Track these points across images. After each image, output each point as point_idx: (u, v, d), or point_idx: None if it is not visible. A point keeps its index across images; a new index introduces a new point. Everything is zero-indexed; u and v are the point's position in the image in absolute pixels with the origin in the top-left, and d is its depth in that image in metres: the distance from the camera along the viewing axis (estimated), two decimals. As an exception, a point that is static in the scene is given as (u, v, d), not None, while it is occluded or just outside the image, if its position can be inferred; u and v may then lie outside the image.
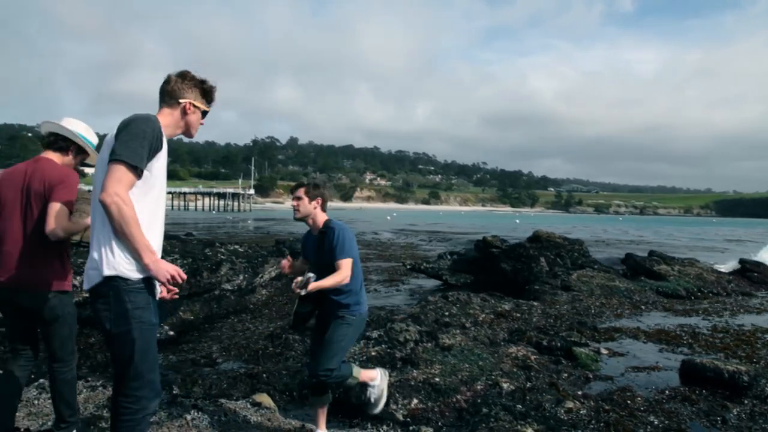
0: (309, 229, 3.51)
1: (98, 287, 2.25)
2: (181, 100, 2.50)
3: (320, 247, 3.36)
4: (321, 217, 3.43)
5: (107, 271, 2.21)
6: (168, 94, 2.50)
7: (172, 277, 2.22)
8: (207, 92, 2.60)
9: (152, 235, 2.29)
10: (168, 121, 2.48)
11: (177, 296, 2.63)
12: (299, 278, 3.19)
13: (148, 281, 2.28)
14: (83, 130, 3.16)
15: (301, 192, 3.37)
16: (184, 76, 2.53)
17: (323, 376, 3.32)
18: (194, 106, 2.53)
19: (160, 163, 2.35)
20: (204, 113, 2.61)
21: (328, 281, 3.21)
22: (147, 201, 2.29)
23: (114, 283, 2.21)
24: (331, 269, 3.27)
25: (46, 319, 2.99)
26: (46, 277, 2.94)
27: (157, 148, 2.30)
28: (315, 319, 3.53)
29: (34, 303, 2.94)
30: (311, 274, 3.15)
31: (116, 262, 2.21)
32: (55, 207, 2.90)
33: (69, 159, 3.16)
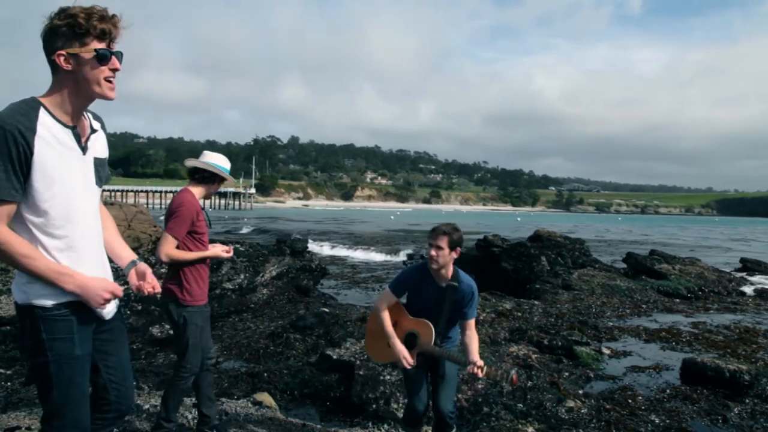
0: (420, 269, 3.12)
1: (17, 313, 1.90)
2: (53, 57, 1.77)
3: (445, 299, 3.04)
4: (451, 267, 3.08)
5: (19, 298, 1.86)
6: (46, 58, 1.80)
7: (106, 300, 1.86)
8: (81, 24, 1.75)
9: (73, 253, 1.87)
10: (57, 94, 1.82)
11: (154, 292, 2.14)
12: (483, 368, 2.82)
13: (76, 306, 1.87)
14: (220, 160, 3.45)
15: (443, 242, 2.96)
16: (49, 19, 1.77)
17: (452, 418, 3.12)
18: (71, 55, 1.76)
19: (48, 165, 1.76)
20: (101, 56, 1.79)
21: (475, 347, 3.02)
22: (49, 218, 1.81)
23: (27, 310, 1.84)
24: (447, 319, 3.05)
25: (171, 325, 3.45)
26: (167, 287, 3.31)
27: (25, 155, 1.71)
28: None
29: (164, 311, 3.45)
30: (514, 370, 2.83)
31: (29, 287, 1.83)
32: (164, 234, 3.25)
33: (207, 185, 3.45)
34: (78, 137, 1.87)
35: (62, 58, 1.77)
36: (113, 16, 1.83)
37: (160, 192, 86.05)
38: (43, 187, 1.77)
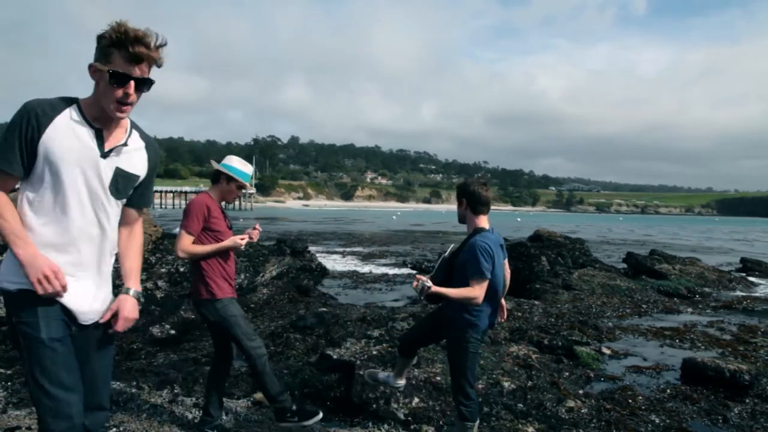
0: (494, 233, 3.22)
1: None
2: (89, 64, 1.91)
3: (458, 255, 3.18)
4: (473, 225, 3.23)
5: None
6: None
7: (45, 277, 1.82)
8: (111, 42, 1.82)
9: (63, 248, 1.92)
10: (91, 97, 1.96)
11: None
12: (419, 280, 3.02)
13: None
14: (235, 163, 3.57)
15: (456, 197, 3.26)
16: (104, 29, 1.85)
17: (463, 404, 3.18)
18: (95, 68, 1.88)
19: (53, 150, 1.85)
20: (113, 77, 1.84)
21: (453, 292, 3.05)
22: (44, 201, 1.89)
23: (2, 293, 1.92)
24: (459, 281, 3.11)
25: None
26: (194, 288, 3.47)
27: (32, 136, 1.83)
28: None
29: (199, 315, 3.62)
30: (429, 284, 2.96)
31: (1, 270, 1.92)
32: (179, 232, 3.42)
33: (222, 187, 3.55)
34: (100, 140, 1.95)
35: (91, 69, 1.89)
36: (149, 40, 1.85)
37: (160, 192, 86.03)
38: (42, 169, 1.87)
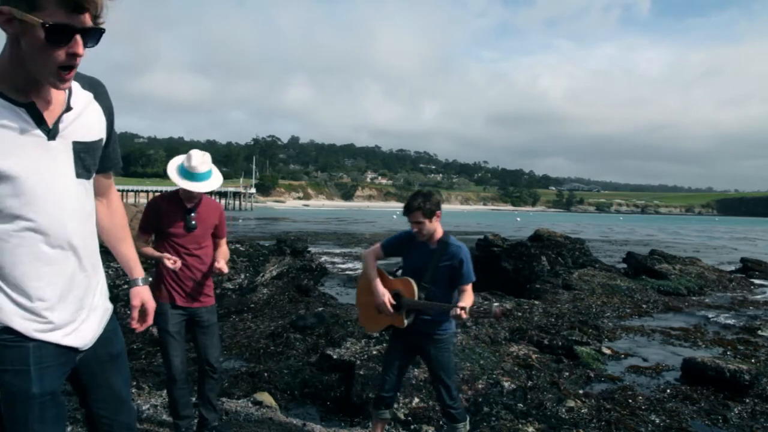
0: (413, 234, 3.14)
1: None
2: None
3: (438, 260, 3.09)
4: (440, 230, 3.15)
5: None
6: None
7: None
8: None
9: (42, 264, 1.44)
10: (3, 62, 1.34)
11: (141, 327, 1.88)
12: (465, 309, 2.80)
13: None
14: (170, 167, 3.30)
15: (419, 216, 3.03)
16: None
17: (453, 408, 3.14)
18: (10, 16, 1.25)
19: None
20: (53, 33, 1.26)
21: (468, 301, 2.96)
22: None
23: None
24: (439, 283, 3.07)
25: None
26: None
27: None
28: (392, 339, 3.27)
29: None
30: (497, 304, 2.85)
31: None
32: None
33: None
34: (38, 117, 1.39)
35: (3, 18, 1.26)
36: None
37: (161, 192, 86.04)
38: None
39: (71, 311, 1.53)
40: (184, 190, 3.25)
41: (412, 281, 3.04)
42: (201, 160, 3.24)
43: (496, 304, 2.83)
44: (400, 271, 3.27)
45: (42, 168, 1.40)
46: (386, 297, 3.06)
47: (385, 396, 3.22)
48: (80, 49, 1.31)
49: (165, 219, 3.30)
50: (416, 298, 3.01)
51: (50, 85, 1.37)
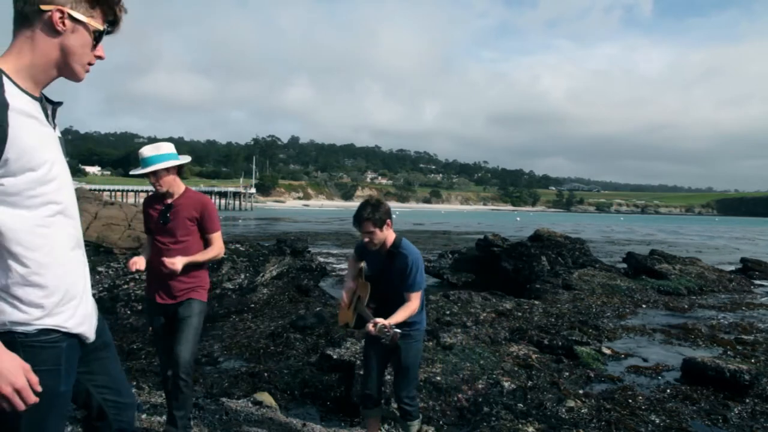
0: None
1: None
2: (44, 6, 1.37)
3: (388, 266, 3.15)
4: (391, 236, 3.18)
5: None
6: (25, 3, 1.38)
7: (16, 390, 1.30)
8: None
9: (52, 272, 1.44)
10: (26, 55, 1.39)
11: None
12: (376, 325, 2.87)
13: (66, 333, 1.49)
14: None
15: (370, 226, 3.04)
16: None
17: (409, 404, 3.23)
18: (71, 17, 1.39)
19: (27, 147, 1.35)
20: (97, 35, 1.46)
21: (400, 316, 2.99)
22: (39, 220, 1.41)
23: (6, 335, 1.40)
24: (394, 288, 3.11)
25: None
26: None
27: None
28: (367, 339, 3.33)
29: None
30: (398, 330, 2.86)
31: (4, 305, 1.39)
32: None
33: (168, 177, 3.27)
34: (46, 111, 1.48)
35: (58, 15, 1.37)
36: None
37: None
38: (27, 177, 1.36)
39: (90, 303, 1.62)
40: (151, 182, 3.21)
41: (369, 285, 3.21)
42: (151, 147, 3.20)
43: (397, 330, 2.87)
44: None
45: (61, 156, 1.50)
46: (345, 295, 3.29)
47: (369, 393, 3.27)
48: (103, 54, 1.53)
49: (147, 216, 3.36)
50: (366, 301, 3.17)
51: (77, 74, 1.49)
